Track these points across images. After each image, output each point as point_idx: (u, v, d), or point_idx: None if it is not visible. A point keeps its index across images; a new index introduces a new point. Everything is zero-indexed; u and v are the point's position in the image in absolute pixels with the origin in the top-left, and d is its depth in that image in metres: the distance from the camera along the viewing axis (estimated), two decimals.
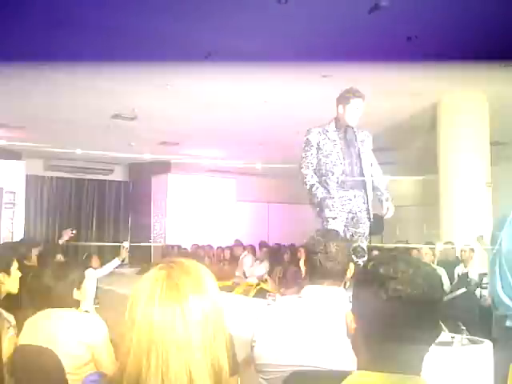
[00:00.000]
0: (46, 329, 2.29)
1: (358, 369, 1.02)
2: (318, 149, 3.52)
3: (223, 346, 1.03)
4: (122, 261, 7.50)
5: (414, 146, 10.27)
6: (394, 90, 7.57)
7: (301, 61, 6.51)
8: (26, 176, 11.47)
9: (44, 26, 5.51)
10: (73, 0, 5.04)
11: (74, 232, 6.69)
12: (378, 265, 1.07)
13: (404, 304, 0.97)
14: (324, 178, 3.51)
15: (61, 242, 6.46)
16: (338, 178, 3.49)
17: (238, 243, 9.43)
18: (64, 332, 2.27)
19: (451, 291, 6.20)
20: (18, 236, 10.67)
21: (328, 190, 3.46)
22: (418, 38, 5.89)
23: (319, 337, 1.67)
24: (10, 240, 10.38)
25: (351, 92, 3.52)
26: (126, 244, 6.25)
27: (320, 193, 3.44)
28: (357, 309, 1.04)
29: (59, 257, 4.74)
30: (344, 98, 3.52)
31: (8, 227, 10.85)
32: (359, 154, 3.63)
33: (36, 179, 12.13)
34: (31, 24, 5.50)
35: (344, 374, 1.03)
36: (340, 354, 1.39)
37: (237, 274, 8.63)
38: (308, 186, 3.49)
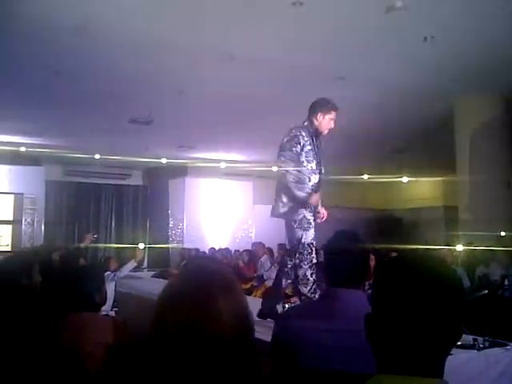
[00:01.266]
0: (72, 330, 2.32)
1: (378, 372, 1.01)
2: (302, 151, 3.42)
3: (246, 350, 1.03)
4: (140, 264, 7.53)
5: (432, 147, 10.18)
6: (410, 91, 7.51)
7: (315, 62, 6.50)
8: (46, 182, 11.64)
9: (60, 32, 5.59)
10: (89, 7, 5.10)
11: (95, 236, 6.78)
12: (398, 266, 1.06)
13: (424, 306, 0.96)
14: (301, 183, 3.42)
15: (83, 245, 6.55)
16: (312, 185, 3.45)
17: (259, 245, 9.42)
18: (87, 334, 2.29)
19: (472, 293, 6.12)
20: (39, 240, 10.84)
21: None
22: (435, 38, 5.84)
23: (339, 339, 1.66)
24: (31, 244, 10.55)
25: (331, 104, 3.54)
26: (141, 246, 6.31)
27: (307, 189, 3.38)
28: (376, 310, 1.03)
29: (82, 260, 4.80)
30: (325, 108, 3.52)
31: (29, 232, 11.02)
32: (320, 163, 3.61)
33: (55, 184, 12.30)
34: (47, 33, 5.58)
35: (364, 377, 1.03)
36: (360, 357, 1.39)
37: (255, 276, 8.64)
38: (295, 179, 3.35)
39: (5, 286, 2.79)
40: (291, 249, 3.50)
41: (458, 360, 2.40)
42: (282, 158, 3.41)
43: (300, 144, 3.41)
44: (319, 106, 3.53)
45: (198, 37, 5.80)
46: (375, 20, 5.46)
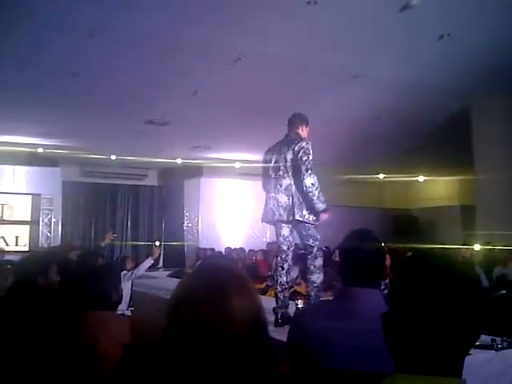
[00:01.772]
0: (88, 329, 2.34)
1: (395, 371, 1.01)
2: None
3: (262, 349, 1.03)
4: (156, 264, 7.56)
5: (448, 145, 10.08)
6: (426, 90, 7.44)
7: (330, 62, 6.48)
8: (63, 182, 11.77)
9: (77, 34, 5.65)
10: (105, 9, 5.15)
11: (115, 235, 6.82)
12: (416, 265, 1.05)
13: (443, 305, 0.95)
14: (322, 196, 3.58)
15: (103, 244, 6.61)
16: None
17: (274, 245, 9.39)
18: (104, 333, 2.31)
19: (490, 293, 6.05)
20: (56, 240, 10.95)
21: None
22: (451, 36, 5.79)
23: (355, 339, 1.66)
24: (48, 244, 10.66)
25: (306, 118, 3.88)
26: (158, 243, 6.38)
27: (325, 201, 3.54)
28: (393, 309, 1.03)
29: (100, 260, 4.82)
30: (304, 121, 3.85)
31: (46, 232, 11.15)
32: None
33: (72, 185, 12.42)
34: (64, 35, 5.65)
35: (381, 377, 1.02)
36: (377, 356, 1.38)
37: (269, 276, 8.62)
38: (319, 190, 3.48)
39: (23, 285, 2.83)
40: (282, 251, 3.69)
41: (476, 360, 2.38)
42: (314, 176, 3.50)
43: (311, 155, 3.58)
44: (299, 119, 3.85)
45: (212, 37, 5.81)
46: (390, 18, 5.43)
